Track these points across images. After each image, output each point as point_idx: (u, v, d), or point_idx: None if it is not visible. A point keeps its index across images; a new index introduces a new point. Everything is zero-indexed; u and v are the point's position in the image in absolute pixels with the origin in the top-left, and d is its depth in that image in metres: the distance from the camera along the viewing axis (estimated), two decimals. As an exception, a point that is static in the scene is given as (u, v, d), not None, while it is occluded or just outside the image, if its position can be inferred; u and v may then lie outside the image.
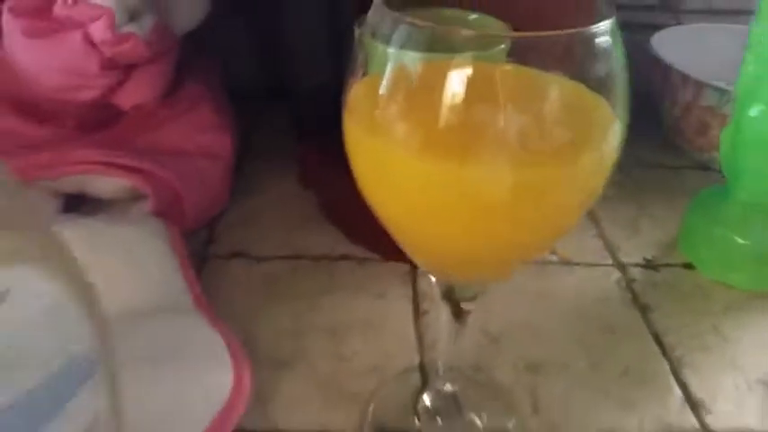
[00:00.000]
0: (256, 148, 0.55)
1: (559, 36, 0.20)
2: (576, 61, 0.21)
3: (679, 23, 0.66)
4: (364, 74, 0.24)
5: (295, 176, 0.51)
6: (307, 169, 0.50)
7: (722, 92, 0.50)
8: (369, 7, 0.30)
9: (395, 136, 0.22)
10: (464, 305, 0.28)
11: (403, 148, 0.22)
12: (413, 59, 0.22)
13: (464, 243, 0.23)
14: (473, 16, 0.28)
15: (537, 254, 0.26)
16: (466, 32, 0.20)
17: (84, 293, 0.20)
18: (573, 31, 0.21)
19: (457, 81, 0.21)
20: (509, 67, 0.21)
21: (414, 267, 0.43)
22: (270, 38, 0.56)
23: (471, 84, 0.21)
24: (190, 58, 0.47)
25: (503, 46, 0.21)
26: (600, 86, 0.22)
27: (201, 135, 0.45)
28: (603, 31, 0.21)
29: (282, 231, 0.46)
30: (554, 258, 0.44)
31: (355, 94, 0.23)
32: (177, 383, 0.30)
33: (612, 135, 0.23)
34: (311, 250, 0.44)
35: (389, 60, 0.22)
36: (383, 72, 0.22)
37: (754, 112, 0.40)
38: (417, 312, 0.39)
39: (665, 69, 0.55)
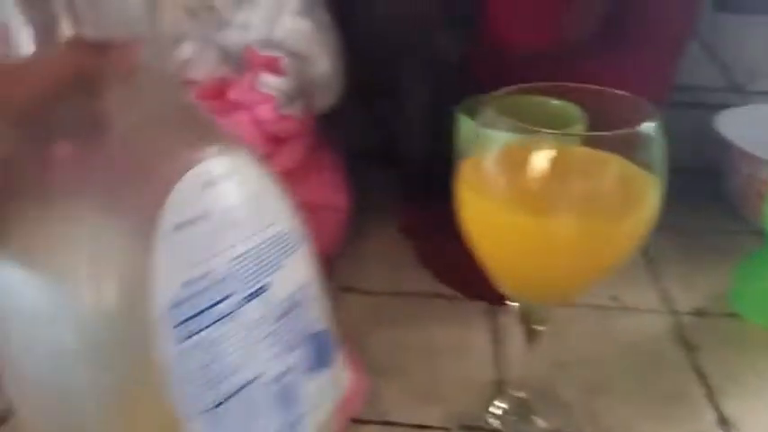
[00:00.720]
0: (364, 202, 0.66)
1: (616, 134, 0.30)
2: (629, 148, 0.31)
3: (745, 104, 0.73)
4: (470, 152, 0.34)
5: (395, 227, 0.62)
6: (407, 222, 0.60)
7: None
8: (466, 95, 0.40)
9: (496, 198, 0.32)
10: (536, 327, 0.37)
11: (502, 206, 0.32)
12: (508, 142, 0.32)
13: (543, 274, 0.33)
14: (555, 102, 0.38)
15: (594, 284, 0.35)
16: (546, 132, 0.30)
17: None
18: (627, 131, 0.30)
19: (542, 159, 0.31)
20: (580, 148, 0.31)
21: (493, 305, 0.51)
22: (383, 115, 0.68)
23: (551, 160, 0.31)
24: (319, 129, 0.59)
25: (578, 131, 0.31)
26: (645, 166, 0.31)
27: (325, 191, 0.56)
28: (650, 129, 0.30)
29: (385, 271, 0.56)
30: (614, 304, 0.52)
31: (467, 167, 0.33)
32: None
33: (653, 201, 0.32)
34: (409, 288, 0.54)
35: (492, 143, 0.32)
36: (487, 151, 0.32)
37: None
38: (496, 340, 0.48)
39: (727, 146, 0.62)
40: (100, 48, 0.22)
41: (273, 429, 0.29)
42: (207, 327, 0.25)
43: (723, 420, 0.41)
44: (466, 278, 0.53)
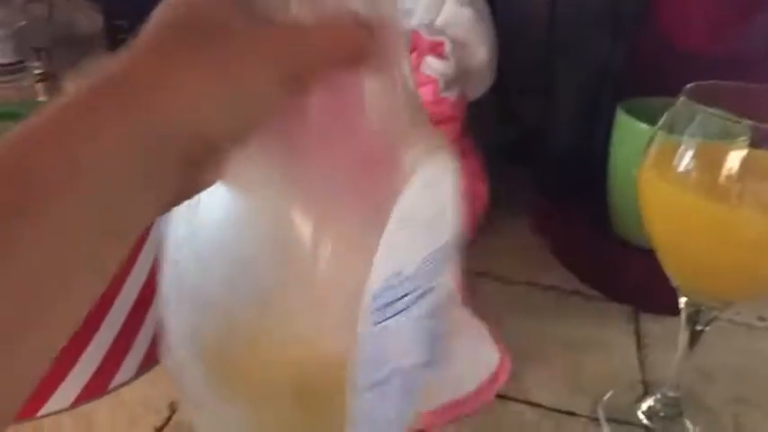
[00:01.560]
0: (495, 197, 0.66)
1: None
2: None
3: None
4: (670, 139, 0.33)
5: (527, 224, 0.61)
6: (540, 220, 0.60)
7: None
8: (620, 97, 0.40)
9: (689, 185, 0.32)
10: (700, 327, 0.36)
11: (693, 192, 0.31)
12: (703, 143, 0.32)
13: (724, 265, 0.33)
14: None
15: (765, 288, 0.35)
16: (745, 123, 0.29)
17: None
18: None
19: (730, 156, 0.31)
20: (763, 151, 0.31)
21: (635, 309, 0.51)
22: (520, 111, 0.68)
23: (739, 159, 0.30)
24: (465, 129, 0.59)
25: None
26: None
27: (467, 177, 0.56)
28: None
29: (518, 263, 0.56)
30: (761, 324, 0.50)
31: (656, 155, 0.33)
32: (467, 347, 0.40)
33: None
34: (544, 281, 0.54)
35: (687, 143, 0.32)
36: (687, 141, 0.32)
37: None
38: (639, 345, 0.47)
39: None
40: (371, 28, 0.23)
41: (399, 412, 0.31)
42: (388, 318, 0.26)
43: None
44: (609, 279, 0.52)
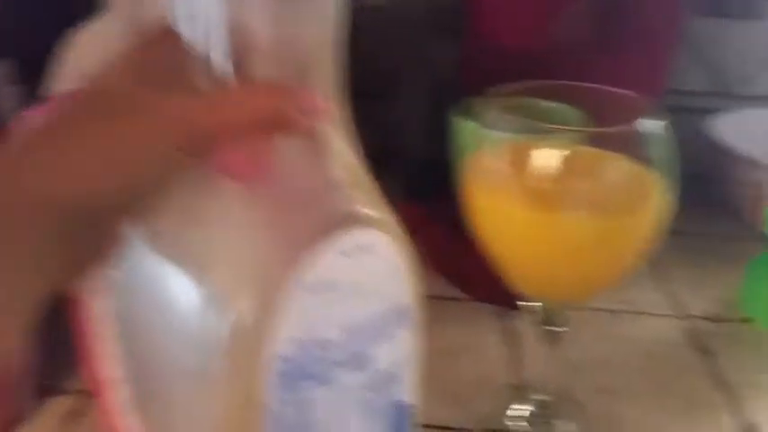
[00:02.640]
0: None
1: (620, 130, 0.30)
2: (633, 145, 0.30)
3: (735, 108, 0.73)
4: (475, 151, 0.33)
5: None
6: (407, 224, 0.59)
7: (775, 169, 0.57)
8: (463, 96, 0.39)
9: (509, 195, 0.31)
10: (556, 329, 0.36)
11: (515, 203, 0.31)
12: (516, 140, 0.31)
13: (556, 272, 0.32)
14: (555, 105, 0.37)
15: (611, 285, 0.35)
16: (549, 126, 0.29)
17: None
18: (630, 128, 0.30)
19: (550, 157, 0.30)
20: (585, 148, 0.30)
21: (504, 309, 0.50)
22: (379, 116, 0.66)
23: (559, 159, 0.30)
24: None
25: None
26: (650, 163, 0.31)
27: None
28: (653, 126, 0.30)
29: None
30: (626, 308, 0.51)
31: (476, 166, 0.32)
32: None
33: (660, 198, 0.32)
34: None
35: (499, 142, 0.31)
36: (495, 150, 0.31)
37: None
38: (508, 343, 0.47)
39: (723, 150, 0.62)
40: (288, 93, 0.23)
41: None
42: (306, 389, 0.26)
43: (746, 427, 0.41)
44: (473, 280, 0.52)
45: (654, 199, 0.31)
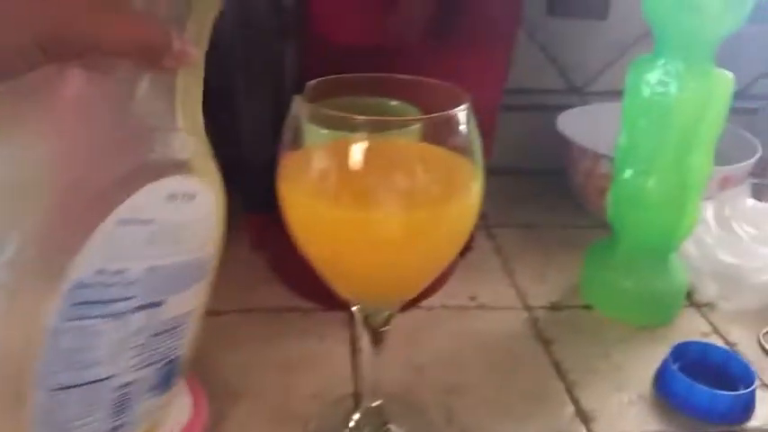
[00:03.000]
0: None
1: (429, 118, 0.29)
2: (444, 135, 0.30)
3: (585, 104, 0.76)
4: (294, 148, 0.31)
5: (246, 242, 0.58)
6: (255, 235, 0.57)
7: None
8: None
9: (317, 193, 0.29)
10: (379, 329, 0.35)
11: (323, 201, 0.29)
12: (328, 137, 0.29)
13: (371, 271, 0.31)
14: (394, 103, 0.36)
15: (427, 280, 0.34)
16: (360, 118, 0.28)
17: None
18: (437, 115, 0.29)
19: (359, 152, 0.29)
20: (397, 141, 0.29)
21: (351, 314, 0.49)
22: (221, 121, 0.63)
23: (370, 154, 0.29)
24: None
25: (416, 126, 0.30)
26: (462, 151, 0.30)
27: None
28: (460, 113, 0.29)
29: (236, 290, 0.52)
30: (472, 304, 0.51)
31: (286, 164, 0.31)
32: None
33: (474, 189, 0.30)
34: (262, 304, 0.50)
35: (310, 137, 0.30)
36: (307, 145, 0.30)
37: (627, 174, 0.49)
38: (354, 350, 0.46)
39: (568, 144, 0.64)
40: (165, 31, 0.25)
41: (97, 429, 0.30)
42: (95, 317, 0.26)
43: (581, 414, 0.41)
44: (320, 288, 0.50)
45: (467, 190, 0.30)
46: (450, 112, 0.29)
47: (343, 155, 0.29)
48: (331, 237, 0.31)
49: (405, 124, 0.29)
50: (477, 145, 0.30)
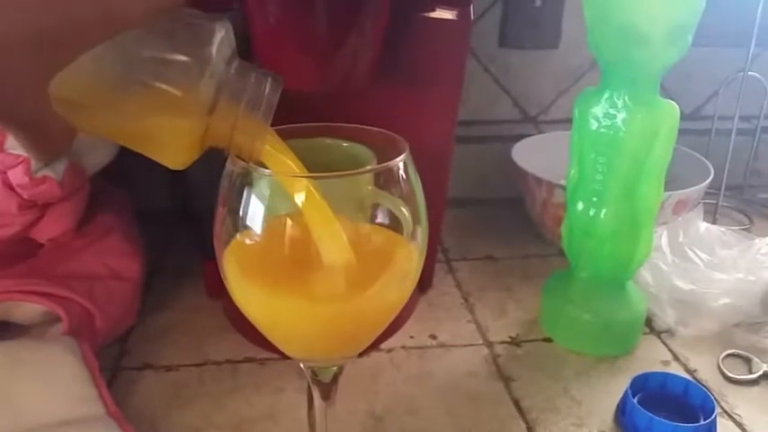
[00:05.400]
0: (167, 267, 0.60)
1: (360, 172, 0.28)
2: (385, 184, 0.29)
3: (540, 132, 0.77)
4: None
5: (202, 290, 0.56)
6: (212, 282, 0.56)
7: (567, 190, 0.59)
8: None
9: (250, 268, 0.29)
10: (329, 383, 0.34)
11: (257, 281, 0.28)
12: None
13: (311, 337, 0.30)
14: (346, 144, 0.36)
15: (374, 335, 0.33)
16: (263, 171, 0.27)
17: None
18: (380, 166, 0.28)
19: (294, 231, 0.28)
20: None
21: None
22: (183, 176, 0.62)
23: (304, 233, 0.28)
24: (101, 191, 0.53)
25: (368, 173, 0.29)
26: (405, 200, 0.29)
27: (112, 259, 0.50)
28: (398, 164, 0.29)
29: (190, 341, 0.51)
30: (433, 343, 0.51)
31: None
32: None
33: (409, 261, 0.30)
34: (217, 356, 0.49)
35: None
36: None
37: (579, 206, 0.49)
38: (311, 402, 0.44)
39: (523, 174, 0.64)
40: None
41: None
42: None
43: (542, 452, 0.40)
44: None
45: (403, 262, 0.30)
46: (387, 164, 0.28)
47: (278, 232, 0.28)
48: (267, 307, 0.30)
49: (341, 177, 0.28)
50: (417, 191, 0.30)
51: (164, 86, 0.24)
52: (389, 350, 0.50)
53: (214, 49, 0.26)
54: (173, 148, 0.27)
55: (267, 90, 0.28)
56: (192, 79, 0.25)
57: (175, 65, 0.25)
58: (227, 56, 0.28)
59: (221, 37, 0.27)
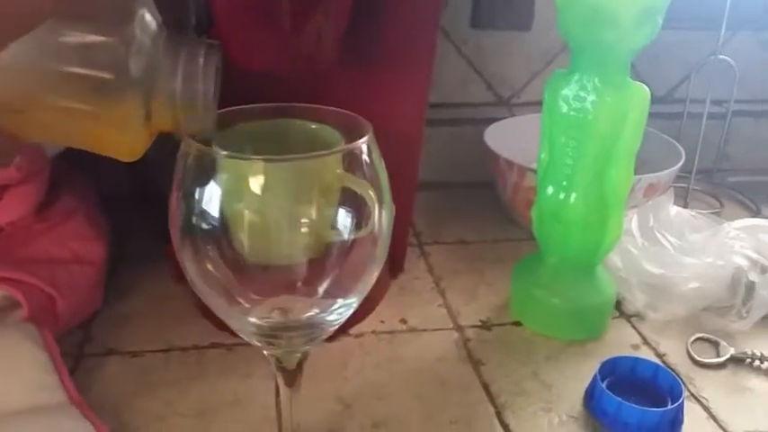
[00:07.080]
0: (132, 252, 0.59)
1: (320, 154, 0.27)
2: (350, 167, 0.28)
3: (513, 115, 0.76)
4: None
5: (168, 275, 0.55)
6: (176, 267, 0.54)
7: (538, 174, 0.59)
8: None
9: None
10: (293, 370, 0.33)
11: None
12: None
13: None
14: (314, 126, 0.35)
15: None
16: (221, 153, 0.26)
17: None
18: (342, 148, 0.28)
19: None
20: None
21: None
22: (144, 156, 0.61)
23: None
24: (64, 175, 0.51)
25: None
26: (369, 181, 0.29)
27: (75, 243, 0.49)
28: (361, 146, 0.28)
29: (156, 327, 0.50)
30: (403, 328, 0.50)
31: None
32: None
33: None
34: (183, 342, 0.48)
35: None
36: None
37: (549, 190, 0.48)
38: (278, 389, 0.44)
39: (495, 157, 0.64)
40: None
41: None
42: None
43: (510, 436, 0.40)
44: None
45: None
46: (349, 146, 0.28)
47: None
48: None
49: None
50: (382, 174, 0.29)
51: (92, 72, 0.23)
52: (359, 335, 0.49)
53: (136, 26, 0.25)
54: (118, 140, 0.26)
55: (202, 60, 0.26)
56: (120, 58, 0.24)
57: (98, 47, 0.24)
58: (153, 31, 0.26)
59: (142, 13, 0.26)
